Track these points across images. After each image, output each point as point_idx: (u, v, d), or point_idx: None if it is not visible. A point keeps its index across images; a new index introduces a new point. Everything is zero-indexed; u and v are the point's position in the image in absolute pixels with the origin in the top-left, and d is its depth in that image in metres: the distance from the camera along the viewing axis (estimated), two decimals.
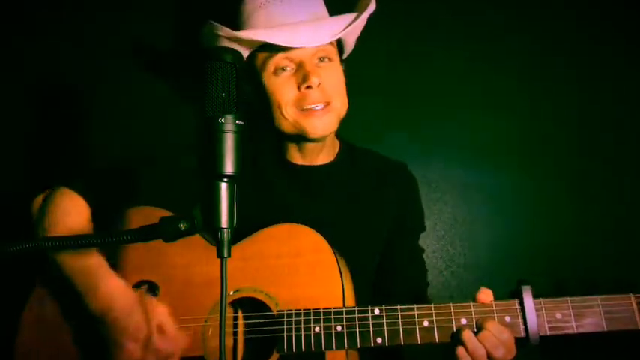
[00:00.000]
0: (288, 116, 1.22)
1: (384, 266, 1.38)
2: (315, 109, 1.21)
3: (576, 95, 1.83)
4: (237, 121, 0.75)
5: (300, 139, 1.26)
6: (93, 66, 1.85)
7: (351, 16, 1.26)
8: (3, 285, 1.44)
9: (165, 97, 1.84)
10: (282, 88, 1.22)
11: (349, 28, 1.22)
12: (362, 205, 1.37)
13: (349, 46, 1.39)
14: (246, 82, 1.26)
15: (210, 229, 0.76)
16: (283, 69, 1.22)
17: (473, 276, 1.79)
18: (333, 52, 1.27)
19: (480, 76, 1.85)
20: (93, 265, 1.05)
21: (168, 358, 1.00)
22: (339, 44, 1.33)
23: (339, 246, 1.18)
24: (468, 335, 1.02)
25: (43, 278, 1.17)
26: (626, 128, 1.82)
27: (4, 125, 1.83)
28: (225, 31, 1.18)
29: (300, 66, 1.21)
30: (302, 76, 1.20)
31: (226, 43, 1.21)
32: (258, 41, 1.18)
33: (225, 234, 0.75)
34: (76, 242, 0.80)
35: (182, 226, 0.77)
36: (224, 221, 0.75)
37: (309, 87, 1.19)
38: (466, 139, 1.83)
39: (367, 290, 1.32)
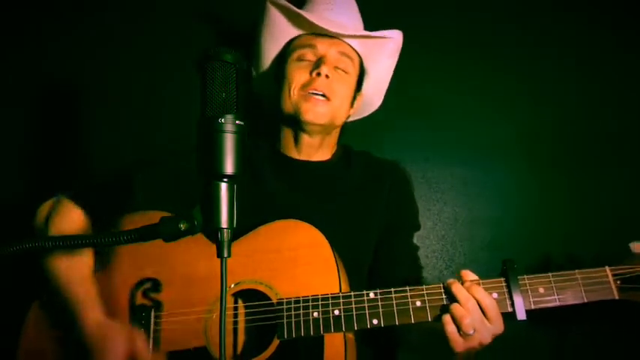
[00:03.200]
0: (292, 95, 1.36)
1: (378, 264, 1.40)
2: (316, 95, 1.34)
3: (576, 94, 1.84)
4: (237, 121, 0.75)
5: (296, 124, 1.38)
6: (93, 66, 1.86)
7: (376, 35, 1.40)
8: (9, 286, 1.49)
9: (165, 97, 1.85)
10: (297, 72, 1.37)
11: (360, 36, 1.38)
12: (354, 202, 1.41)
13: (374, 79, 1.51)
14: (277, 65, 1.47)
15: (210, 228, 0.76)
16: (306, 59, 1.38)
17: None
18: (351, 67, 1.41)
19: (480, 75, 1.85)
20: (80, 294, 1.16)
21: None
22: (361, 71, 1.45)
23: (330, 241, 1.22)
24: (457, 287, 1.08)
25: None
26: (626, 126, 1.82)
27: (4, 126, 1.84)
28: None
29: (319, 59, 1.37)
30: (316, 64, 1.36)
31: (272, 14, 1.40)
32: (291, 12, 1.37)
33: (225, 234, 0.76)
34: (76, 242, 0.80)
35: (182, 226, 0.77)
36: (224, 221, 0.76)
37: (319, 74, 1.33)
38: (466, 138, 1.83)
39: (359, 287, 1.34)
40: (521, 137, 1.83)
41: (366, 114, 1.62)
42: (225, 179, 0.75)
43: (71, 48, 1.86)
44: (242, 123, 0.76)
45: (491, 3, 1.87)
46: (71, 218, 1.25)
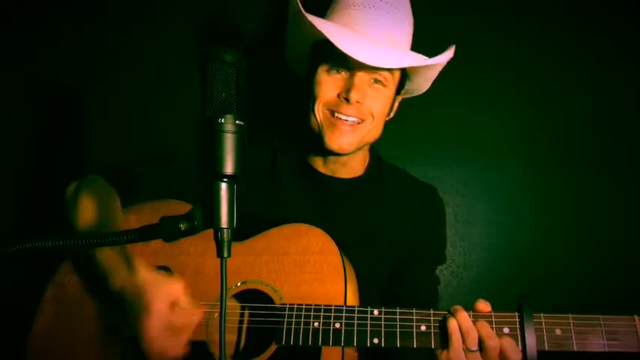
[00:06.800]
0: (317, 113, 1.25)
1: (394, 289, 1.36)
2: (345, 120, 1.23)
3: (577, 95, 1.83)
4: (237, 121, 0.75)
5: (320, 145, 1.27)
6: (93, 66, 1.86)
7: (422, 58, 1.24)
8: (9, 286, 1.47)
9: (165, 97, 1.85)
10: (325, 87, 1.24)
11: (403, 64, 1.23)
12: (378, 223, 1.36)
13: (418, 85, 1.39)
14: (308, 64, 1.32)
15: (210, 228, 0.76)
16: (337, 71, 1.24)
17: (473, 276, 1.79)
18: (390, 79, 1.27)
19: (480, 75, 1.85)
20: (114, 251, 1.11)
21: (181, 331, 1.02)
22: (402, 77, 1.32)
23: (343, 253, 1.18)
24: (463, 315, 1.01)
25: (69, 259, 1.24)
26: (630, 129, 1.81)
27: (5, 125, 1.84)
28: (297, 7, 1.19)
29: (351, 76, 1.23)
30: (347, 87, 1.22)
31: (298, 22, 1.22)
32: (321, 32, 1.15)
33: (225, 234, 0.76)
34: (77, 242, 0.80)
35: (182, 226, 0.77)
36: (224, 221, 0.75)
37: (347, 99, 1.21)
38: (466, 138, 1.83)
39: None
40: (522, 137, 1.82)
41: (419, 92, 1.47)
42: (225, 179, 0.75)
43: (71, 48, 1.86)
44: (242, 123, 0.76)
45: (490, 3, 1.87)
46: (101, 193, 1.23)
